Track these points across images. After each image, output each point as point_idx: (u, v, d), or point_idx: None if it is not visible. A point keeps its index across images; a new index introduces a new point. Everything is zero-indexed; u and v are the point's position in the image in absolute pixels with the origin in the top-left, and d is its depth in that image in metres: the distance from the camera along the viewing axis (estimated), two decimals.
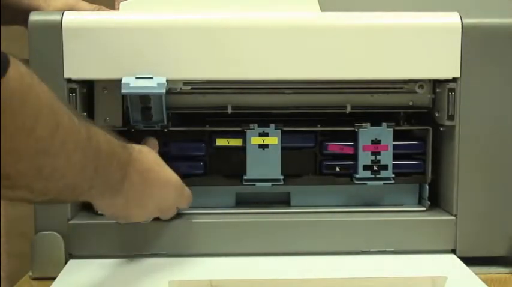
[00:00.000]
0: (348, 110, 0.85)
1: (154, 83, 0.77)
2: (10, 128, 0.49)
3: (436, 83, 0.85)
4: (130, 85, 0.77)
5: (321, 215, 0.85)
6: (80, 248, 0.81)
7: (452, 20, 0.80)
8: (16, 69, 0.49)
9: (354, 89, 0.85)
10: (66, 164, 0.56)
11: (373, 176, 0.86)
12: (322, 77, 0.81)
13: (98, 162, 0.62)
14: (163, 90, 0.77)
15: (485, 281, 0.73)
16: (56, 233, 0.79)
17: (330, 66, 0.80)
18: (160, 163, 0.76)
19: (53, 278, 0.75)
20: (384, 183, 0.86)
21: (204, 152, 0.86)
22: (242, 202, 0.88)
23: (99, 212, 0.78)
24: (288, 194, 0.88)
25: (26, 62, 0.77)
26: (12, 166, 0.51)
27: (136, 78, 0.77)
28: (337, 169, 0.87)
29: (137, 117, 0.81)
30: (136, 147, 0.73)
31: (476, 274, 0.76)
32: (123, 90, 0.77)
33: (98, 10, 0.90)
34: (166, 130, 0.83)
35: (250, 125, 0.84)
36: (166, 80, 0.78)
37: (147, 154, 0.74)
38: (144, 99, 0.79)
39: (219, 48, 0.78)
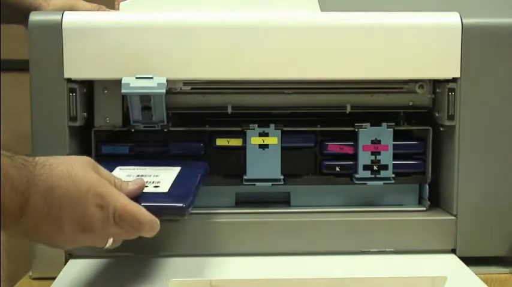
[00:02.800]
0: (348, 110, 0.85)
1: (154, 83, 0.77)
2: None
3: (436, 83, 0.85)
4: (131, 85, 0.77)
5: (320, 215, 0.85)
6: (80, 248, 0.80)
7: (452, 20, 0.80)
8: None
9: (354, 89, 0.85)
10: None
11: (373, 176, 0.86)
12: (322, 77, 0.81)
13: None
14: (164, 90, 0.77)
15: (485, 281, 0.73)
16: None
17: (330, 66, 0.80)
18: (72, 173, 0.63)
19: (53, 278, 0.75)
20: (384, 183, 0.86)
21: (204, 152, 0.86)
22: (242, 202, 0.88)
23: None
24: (288, 194, 0.88)
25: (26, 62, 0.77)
26: None
27: (137, 78, 0.77)
28: (337, 169, 0.87)
29: (137, 117, 0.81)
30: (41, 161, 0.62)
31: (476, 274, 0.76)
32: (123, 90, 0.77)
33: (98, 9, 0.90)
34: (166, 130, 0.83)
35: (250, 125, 0.84)
36: (166, 80, 0.78)
37: (54, 167, 0.62)
38: (144, 99, 0.79)
39: (219, 48, 0.78)
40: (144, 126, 0.83)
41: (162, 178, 0.76)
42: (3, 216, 0.58)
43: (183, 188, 0.74)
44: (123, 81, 0.77)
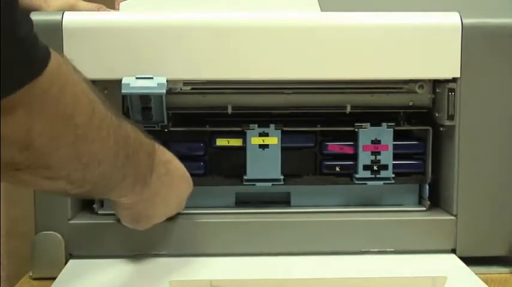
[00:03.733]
0: (348, 110, 0.85)
1: (154, 83, 0.77)
2: (51, 116, 0.50)
3: (436, 83, 0.85)
4: (131, 85, 0.77)
5: (321, 215, 0.85)
6: (80, 248, 0.81)
7: (452, 20, 0.80)
8: (55, 59, 0.49)
9: (354, 89, 0.85)
10: (101, 150, 0.57)
11: (373, 176, 0.86)
12: (322, 77, 0.81)
13: (128, 149, 0.62)
14: (164, 90, 0.77)
15: (485, 281, 0.73)
16: (56, 233, 0.79)
17: (330, 66, 0.80)
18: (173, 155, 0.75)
19: (53, 278, 0.75)
20: (384, 183, 0.86)
21: (204, 152, 0.86)
22: (242, 202, 0.88)
23: (122, 218, 0.75)
24: (288, 194, 0.88)
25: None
26: (53, 154, 0.52)
27: (137, 78, 0.77)
28: (337, 169, 0.87)
29: (137, 117, 0.81)
30: (157, 144, 0.72)
31: (476, 274, 0.76)
32: (123, 91, 0.77)
33: (98, 9, 0.90)
34: (166, 130, 0.83)
35: (250, 125, 0.84)
36: (166, 80, 0.78)
37: (166, 154, 0.74)
38: (144, 100, 0.79)
39: (219, 48, 0.78)
40: (145, 127, 0.82)
41: None
42: (138, 178, 0.66)
43: None
44: (123, 82, 0.77)
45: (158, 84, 0.77)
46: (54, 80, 0.49)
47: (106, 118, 0.57)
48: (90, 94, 0.55)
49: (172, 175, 0.73)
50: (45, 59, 0.48)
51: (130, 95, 0.78)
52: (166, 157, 0.73)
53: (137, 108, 0.80)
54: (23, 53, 0.46)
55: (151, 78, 0.77)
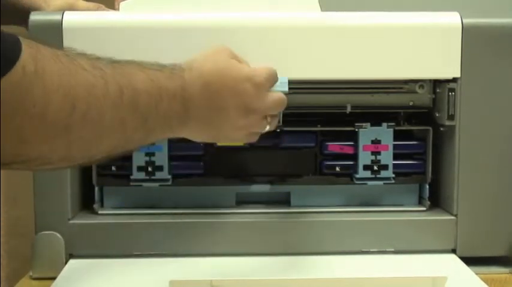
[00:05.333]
0: (348, 110, 0.85)
1: None
2: (18, 118, 0.51)
3: (436, 83, 0.85)
4: None
5: (320, 215, 0.85)
6: (80, 248, 0.81)
7: (452, 20, 0.80)
8: (27, 55, 0.50)
9: (354, 89, 0.85)
10: (95, 131, 0.57)
11: (373, 176, 0.86)
12: (322, 77, 0.81)
13: (139, 111, 0.61)
14: None
15: (485, 281, 0.73)
16: (56, 233, 0.79)
17: (330, 66, 0.80)
18: (220, 66, 0.68)
19: (53, 278, 0.75)
20: (384, 183, 0.86)
21: (204, 152, 0.86)
22: (242, 202, 0.88)
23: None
24: (288, 194, 0.88)
25: None
26: (35, 149, 0.53)
27: None
28: (337, 169, 0.87)
29: None
30: (187, 65, 0.68)
31: (476, 274, 0.76)
32: None
33: (97, 8, 0.90)
34: None
35: None
36: None
37: (202, 66, 0.68)
38: None
39: None
40: None
41: None
42: (170, 125, 0.65)
43: None
44: None
45: None
46: (21, 81, 0.50)
47: (96, 99, 0.56)
48: (74, 84, 0.54)
49: (218, 95, 0.67)
50: (15, 57, 0.49)
51: None
52: (202, 81, 0.67)
53: None
54: None
55: None
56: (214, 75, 0.67)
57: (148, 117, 0.62)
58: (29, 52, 0.51)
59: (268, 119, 0.72)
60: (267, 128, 0.72)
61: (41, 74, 0.52)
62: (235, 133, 0.71)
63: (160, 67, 0.65)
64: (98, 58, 0.59)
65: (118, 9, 0.88)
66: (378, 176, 0.86)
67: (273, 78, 0.72)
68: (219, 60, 0.69)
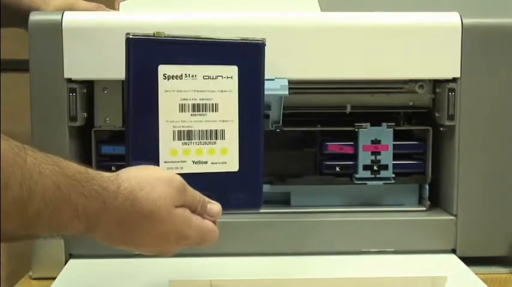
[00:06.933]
0: (348, 110, 0.85)
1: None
2: None
3: (436, 83, 0.85)
4: None
5: (320, 215, 0.85)
6: (80, 248, 0.81)
7: (452, 20, 0.80)
8: None
9: (354, 89, 0.85)
10: None
11: (373, 176, 0.86)
12: (322, 77, 0.81)
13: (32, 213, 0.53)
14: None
15: (485, 281, 0.74)
16: None
17: (330, 66, 0.80)
18: (156, 212, 0.60)
19: (53, 278, 0.75)
20: (384, 183, 0.86)
21: None
22: None
23: None
24: (288, 194, 0.88)
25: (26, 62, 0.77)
26: None
27: None
28: (337, 169, 0.87)
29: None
30: (125, 192, 0.59)
31: (476, 274, 0.76)
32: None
33: (97, 8, 0.90)
34: None
35: None
36: None
37: (137, 203, 0.59)
38: None
39: None
40: None
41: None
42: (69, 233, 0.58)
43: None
44: None
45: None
46: None
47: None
48: None
49: (140, 236, 0.61)
50: None
51: None
52: (127, 218, 0.59)
53: None
54: None
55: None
56: (145, 220, 0.60)
57: (41, 218, 0.53)
58: None
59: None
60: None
61: None
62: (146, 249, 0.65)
63: (90, 178, 0.57)
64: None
65: (118, 9, 0.88)
66: (377, 176, 0.86)
67: (201, 239, 0.66)
68: (162, 201, 0.61)
